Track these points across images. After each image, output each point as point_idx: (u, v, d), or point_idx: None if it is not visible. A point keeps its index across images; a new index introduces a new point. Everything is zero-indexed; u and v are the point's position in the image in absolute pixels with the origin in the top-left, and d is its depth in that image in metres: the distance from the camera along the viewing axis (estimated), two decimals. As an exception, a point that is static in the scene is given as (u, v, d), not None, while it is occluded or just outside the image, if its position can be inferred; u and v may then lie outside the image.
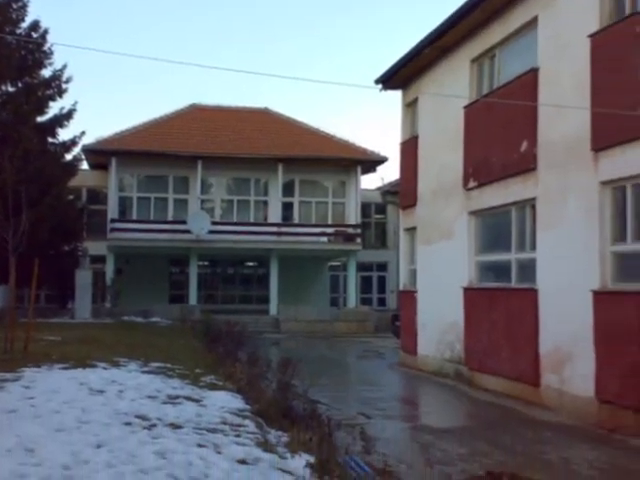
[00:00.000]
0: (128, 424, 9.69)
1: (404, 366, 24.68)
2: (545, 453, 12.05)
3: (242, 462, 8.24)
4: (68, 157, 40.49)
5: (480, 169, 19.77)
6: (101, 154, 44.61)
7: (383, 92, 26.13)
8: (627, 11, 14.47)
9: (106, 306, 41.24)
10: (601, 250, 14.46)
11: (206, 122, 46.92)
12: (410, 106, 25.75)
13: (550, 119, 16.53)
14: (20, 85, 38.17)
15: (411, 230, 25.20)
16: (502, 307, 18.54)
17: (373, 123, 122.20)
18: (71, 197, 41.91)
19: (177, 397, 12.26)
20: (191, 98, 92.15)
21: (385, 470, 9.50)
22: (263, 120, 48.81)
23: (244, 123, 47.71)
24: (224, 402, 12.10)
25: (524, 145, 17.52)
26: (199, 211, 44.20)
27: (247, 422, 10.63)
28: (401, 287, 26.69)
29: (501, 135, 18.79)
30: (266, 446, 9.19)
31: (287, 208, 47.08)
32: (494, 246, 19.84)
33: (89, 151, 43.64)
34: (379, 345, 33.94)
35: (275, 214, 46.35)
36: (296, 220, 47.30)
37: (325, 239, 45.76)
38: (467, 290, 20.38)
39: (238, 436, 9.57)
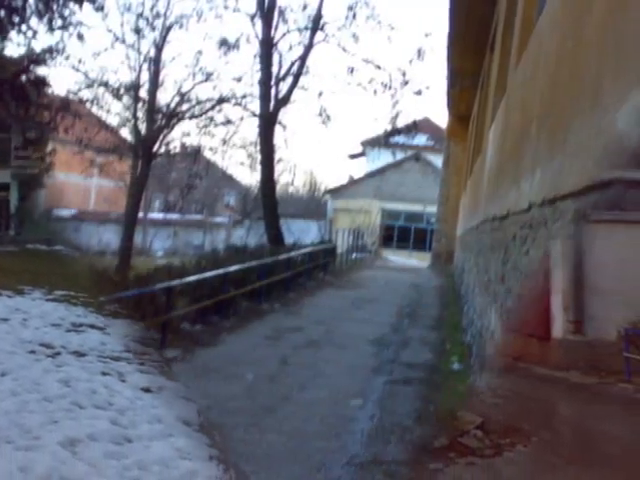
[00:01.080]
0: (32, 352, 9.70)
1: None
2: (449, 381, 12.15)
3: (146, 390, 8.36)
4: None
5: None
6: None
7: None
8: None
9: (10, 234, 40.61)
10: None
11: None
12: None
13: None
14: None
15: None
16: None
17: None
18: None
19: (81, 325, 12.24)
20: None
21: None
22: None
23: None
24: (128, 331, 12.12)
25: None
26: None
27: (151, 350, 10.70)
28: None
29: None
30: (170, 375, 9.29)
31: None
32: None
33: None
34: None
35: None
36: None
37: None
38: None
39: (142, 364, 9.66)
